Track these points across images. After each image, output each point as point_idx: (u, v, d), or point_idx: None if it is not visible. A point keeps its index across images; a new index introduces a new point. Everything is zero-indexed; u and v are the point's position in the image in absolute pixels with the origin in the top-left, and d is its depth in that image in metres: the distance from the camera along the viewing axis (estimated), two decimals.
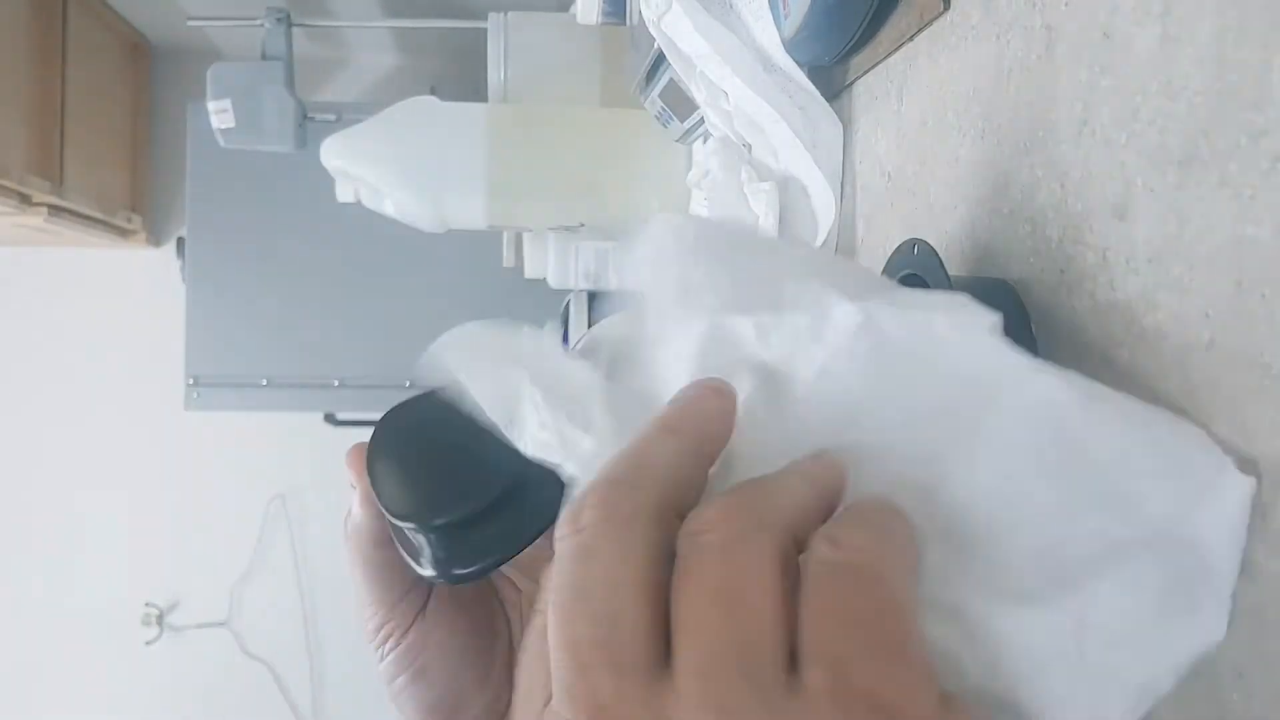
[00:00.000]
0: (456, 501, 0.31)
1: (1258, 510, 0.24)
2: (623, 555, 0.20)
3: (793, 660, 0.19)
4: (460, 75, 2.29)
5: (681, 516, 0.21)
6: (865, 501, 0.22)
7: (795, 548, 0.21)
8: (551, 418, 0.27)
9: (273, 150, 1.72)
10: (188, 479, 2.54)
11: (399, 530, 0.33)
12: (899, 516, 0.22)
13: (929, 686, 0.19)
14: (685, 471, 0.22)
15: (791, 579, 0.20)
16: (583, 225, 1.03)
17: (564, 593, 0.20)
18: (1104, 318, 0.31)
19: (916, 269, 0.38)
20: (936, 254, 0.37)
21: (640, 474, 0.21)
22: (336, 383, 2.17)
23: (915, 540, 0.22)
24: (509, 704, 0.32)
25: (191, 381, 2.16)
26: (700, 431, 0.23)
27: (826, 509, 0.22)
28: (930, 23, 0.45)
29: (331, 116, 1.72)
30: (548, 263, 1.37)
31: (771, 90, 0.58)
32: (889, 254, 0.41)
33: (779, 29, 0.57)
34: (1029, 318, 0.35)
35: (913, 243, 0.39)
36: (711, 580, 0.19)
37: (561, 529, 0.21)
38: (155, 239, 2.51)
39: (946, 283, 0.35)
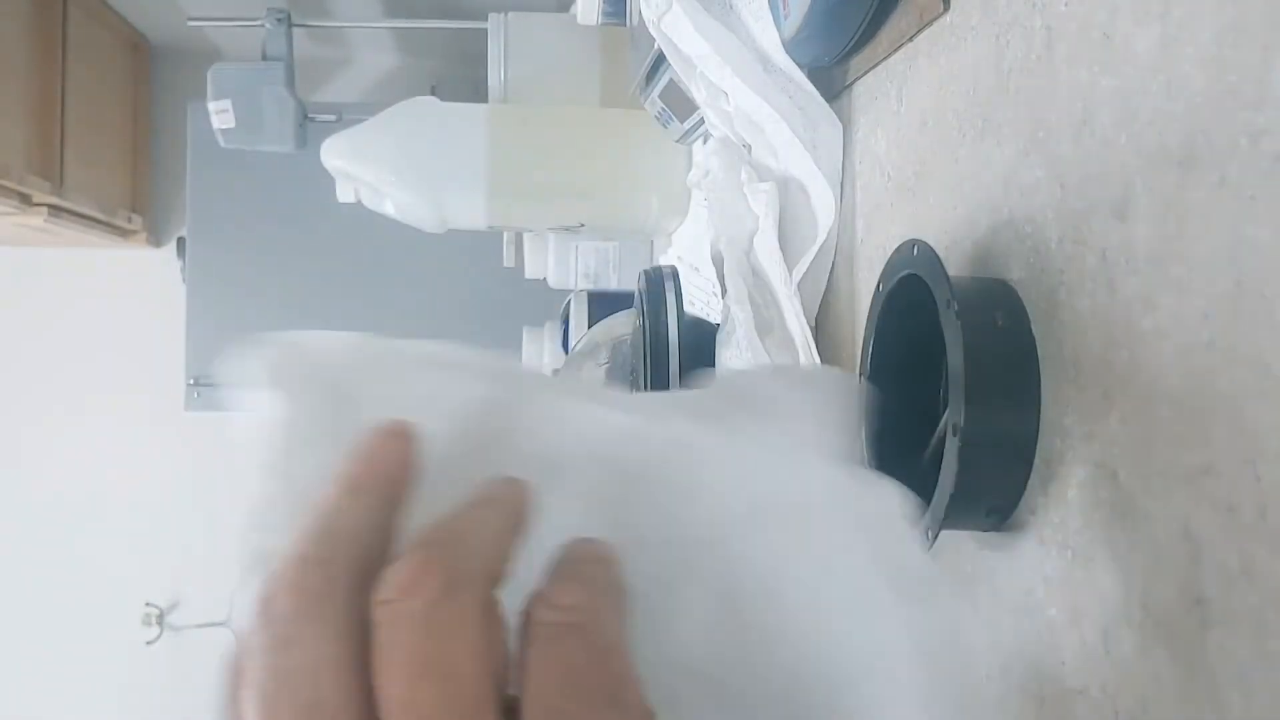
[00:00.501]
0: None
1: (1257, 509, 0.24)
2: (321, 638, 0.19)
3: (509, 714, 0.19)
4: (460, 75, 2.29)
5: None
6: (577, 550, 0.22)
7: (495, 587, 0.20)
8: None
9: (273, 150, 1.72)
10: (188, 479, 2.54)
11: None
12: (609, 563, 0.22)
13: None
14: (376, 532, 0.21)
15: (494, 628, 0.20)
16: (583, 225, 1.03)
17: (265, 685, 0.19)
18: (1104, 318, 0.31)
19: (916, 270, 0.38)
20: (936, 255, 0.37)
21: (329, 546, 0.20)
22: None
23: (624, 584, 0.22)
24: None
25: (191, 381, 2.16)
26: (385, 483, 0.22)
27: (518, 532, 0.22)
28: (930, 23, 0.45)
29: (331, 116, 1.72)
30: (548, 263, 1.38)
31: (771, 90, 0.58)
32: (889, 254, 0.41)
33: (779, 29, 0.57)
34: (1029, 318, 0.35)
35: (913, 243, 0.39)
36: (417, 654, 0.18)
37: (254, 619, 0.19)
38: (155, 239, 2.51)
39: (946, 284, 0.35)
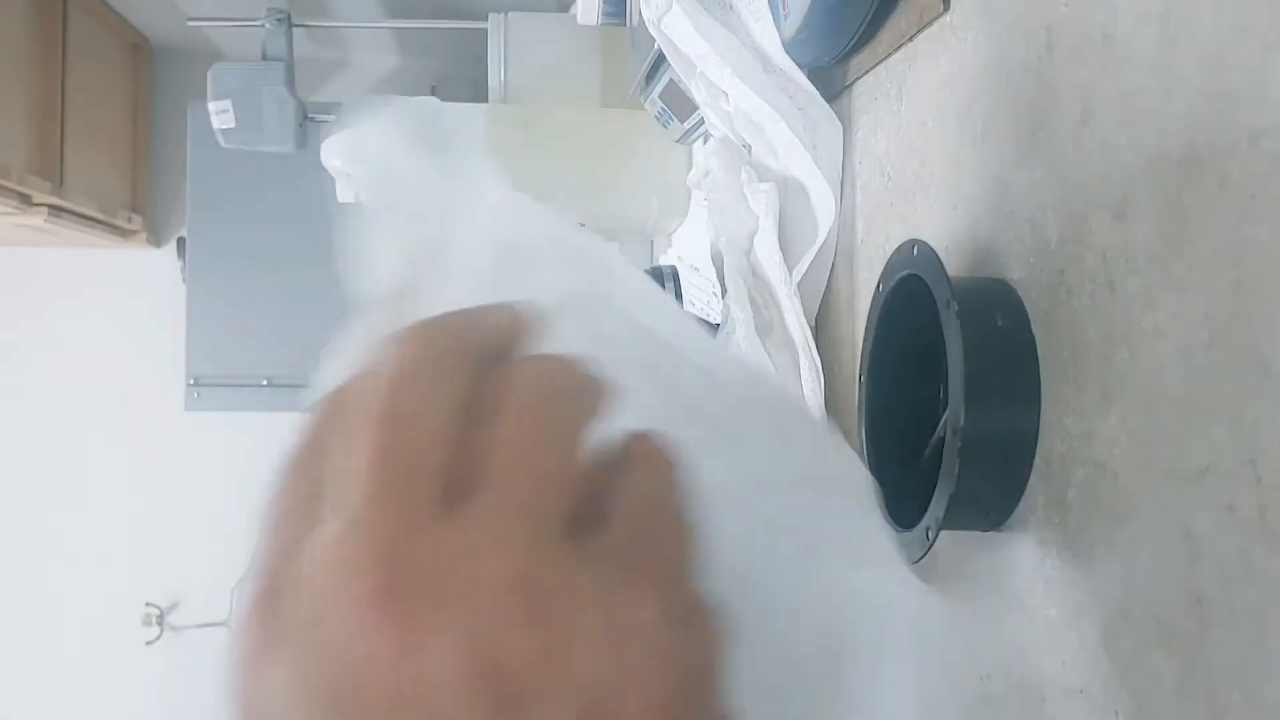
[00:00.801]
0: None
1: (1257, 509, 0.24)
2: (451, 376, 0.20)
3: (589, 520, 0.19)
4: (460, 75, 2.29)
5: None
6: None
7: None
8: None
9: (273, 150, 1.72)
10: (188, 479, 2.54)
11: None
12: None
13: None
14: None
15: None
16: (582, 225, 1.03)
17: (383, 399, 0.19)
18: (1104, 318, 0.31)
19: (917, 270, 0.38)
20: (936, 255, 0.37)
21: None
22: None
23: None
24: None
25: (191, 381, 2.16)
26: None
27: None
28: (930, 23, 0.45)
29: (331, 117, 1.72)
30: None
31: (771, 91, 0.58)
32: (889, 254, 0.41)
33: (779, 30, 0.57)
34: (1029, 318, 0.35)
35: (913, 243, 0.39)
36: (530, 416, 0.19)
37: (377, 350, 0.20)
38: (155, 239, 2.51)
39: (946, 284, 0.35)
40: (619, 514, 0.20)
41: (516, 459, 0.19)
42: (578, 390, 0.21)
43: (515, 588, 0.17)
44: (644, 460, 0.21)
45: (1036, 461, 0.34)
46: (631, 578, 0.19)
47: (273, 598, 0.18)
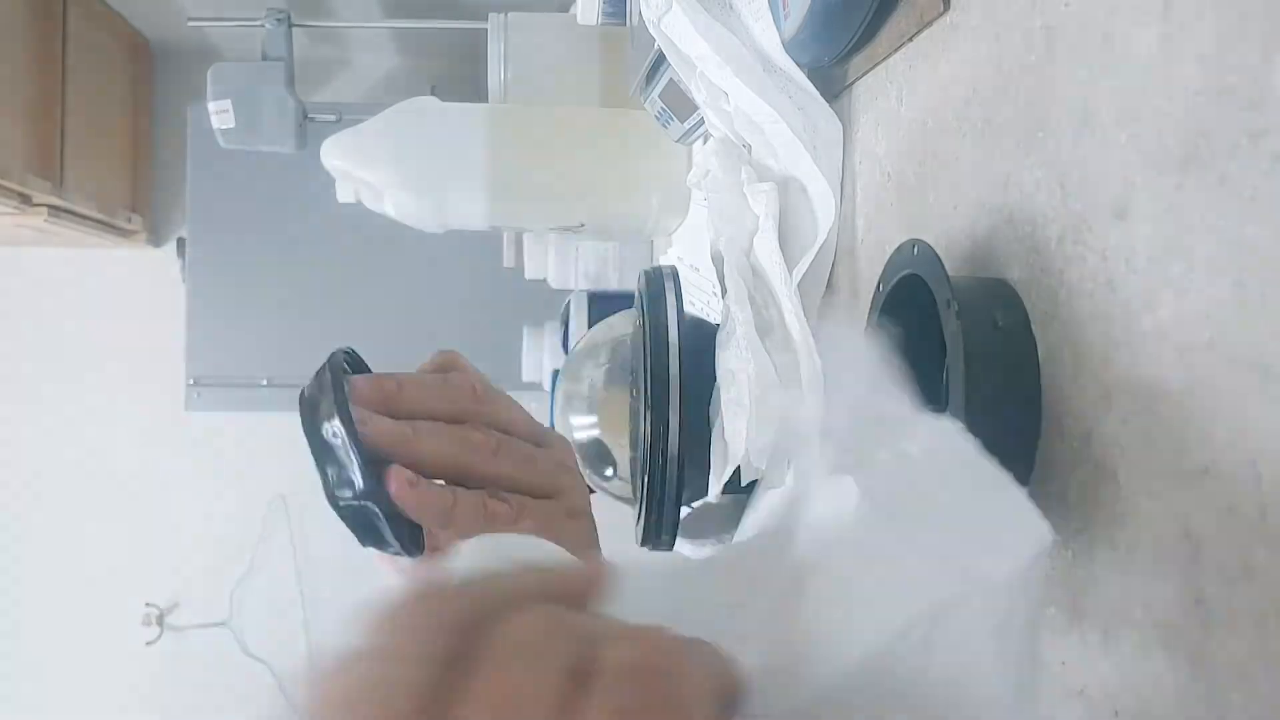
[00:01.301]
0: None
1: (1257, 509, 0.24)
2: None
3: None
4: (460, 75, 2.29)
5: None
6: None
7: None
8: None
9: (273, 150, 1.72)
10: (188, 479, 2.54)
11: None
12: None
13: None
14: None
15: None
16: (583, 225, 1.03)
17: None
18: (1104, 318, 0.31)
19: (916, 269, 0.38)
20: (936, 254, 0.37)
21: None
22: None
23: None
24: None
25: (191, 382, 2.16)
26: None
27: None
28: (930, 23, 0.45)
29: (331, 117, 1.72)
30: (548, 263, 1.38)
31: (771, 91, 0.58)
32: (889, 254, 0.41)
33: (779, 30, 0.57)
34: (1029, 318, 0.35)
35: (913, 243, 0.39)
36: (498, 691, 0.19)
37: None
38: (155, 239, 2.51)
39: (946, 284, 0.35)
40: None
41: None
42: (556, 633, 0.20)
43: None
44: (623, 673, 0.20)
45: (1036, 461, 0.34)
46: None
47: None
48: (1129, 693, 0.29)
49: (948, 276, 0.35)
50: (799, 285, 0.57)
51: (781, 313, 0.58)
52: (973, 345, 0.33)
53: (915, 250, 0.39)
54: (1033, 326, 0.35)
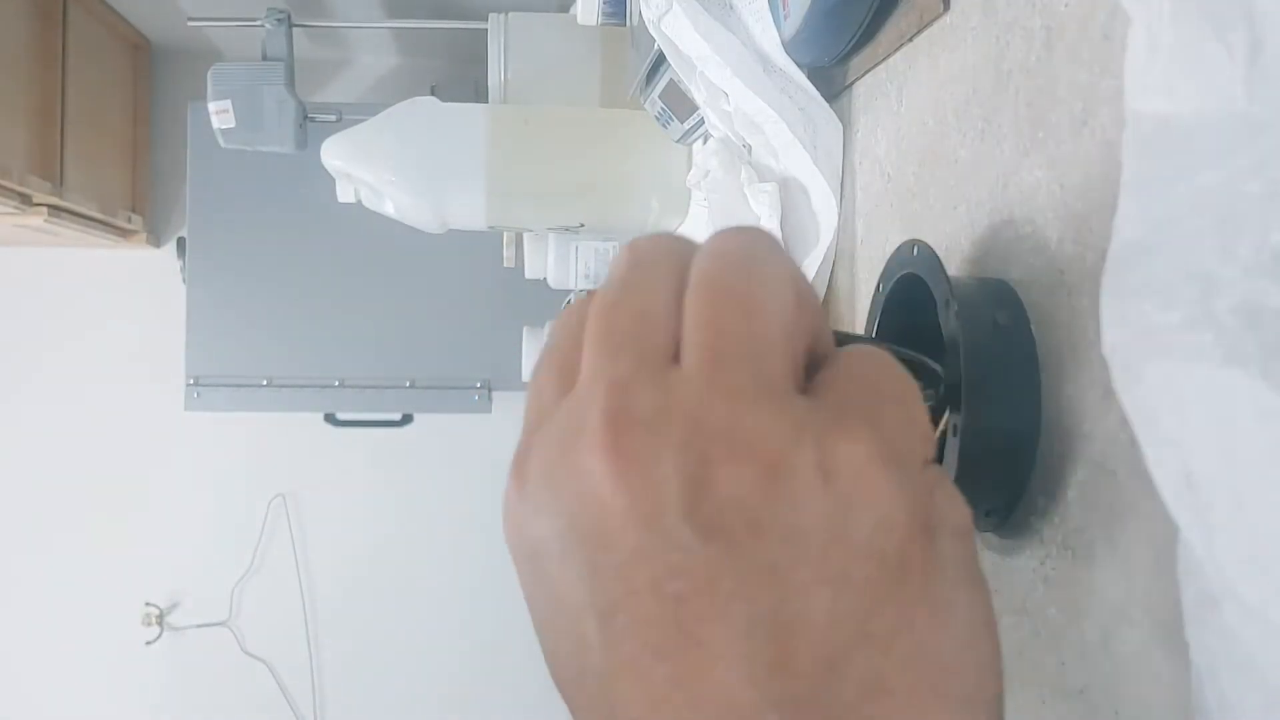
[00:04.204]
0: None
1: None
2: (663, 272, 0.22)
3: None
4: (460, 75, 2.29)
5: None
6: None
7: (800, 282, 0.23)
8: None
9: (273, 150, 1.72)
10: (188, 479, 2.54)
11: None
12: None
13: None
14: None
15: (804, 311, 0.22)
16: (583, 225, 1.03)
17: (609, 293, 0.22)
18: None
19: (916, 269, 0.38)
20: (936, 255, 0.37)
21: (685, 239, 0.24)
22: (336, 383, 2.17)
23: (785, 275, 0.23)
24: None
25: (191, 381, 2.16)
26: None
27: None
28: (930, 23, 0.45)
29: (332, 117, 1.72)
30: (548, 263, 1.37)
31: (771, 91, 0.58)
32: (889, 254, 0.41)
33: (779, 30, 0.57)
34: (1029, 318, 0.35)
35: (912, 243, 0.39)
36: (726, 283, 0.21)
37: (620, 255, 0.24)
38: (155, 239, 2.51)
39: (946, 284, 0.35)
40: (833, 377, 0.21)
41: (720, 325, 0.20)
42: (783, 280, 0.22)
43: (726, 424, 0.19)
44: (862, 353, 0.22)
45: (1036, 461, 0.34)
46: (843, 421, 0.20)
47: (527, 452, 0.21)
48: (1129, 693, 0.29)
49: (947, 276, 0.35)
50: None
51: None
52: (972, 345, 0.34)
53: (915, 251, 0.39)
54: (1032, 326, 0.35)
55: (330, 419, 2.33)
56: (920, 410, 0.21)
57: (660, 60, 0.74)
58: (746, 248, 0.22)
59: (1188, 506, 0.21)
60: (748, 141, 0.63)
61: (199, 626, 2.54)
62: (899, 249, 0.40)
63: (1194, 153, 0.22)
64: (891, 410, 0.21)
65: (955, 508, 0.21)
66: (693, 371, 0.20)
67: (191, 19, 1.89)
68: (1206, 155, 0.21)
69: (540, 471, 0.21)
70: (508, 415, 2.31)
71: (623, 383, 0.20)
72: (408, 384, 2.15)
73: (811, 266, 0.57)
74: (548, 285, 1.41)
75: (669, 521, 0.19)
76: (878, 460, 0.19)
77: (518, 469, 0.21)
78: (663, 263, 0.22)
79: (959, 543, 0.20)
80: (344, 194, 1.03)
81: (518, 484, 0.21)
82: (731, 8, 0.62)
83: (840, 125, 0.57)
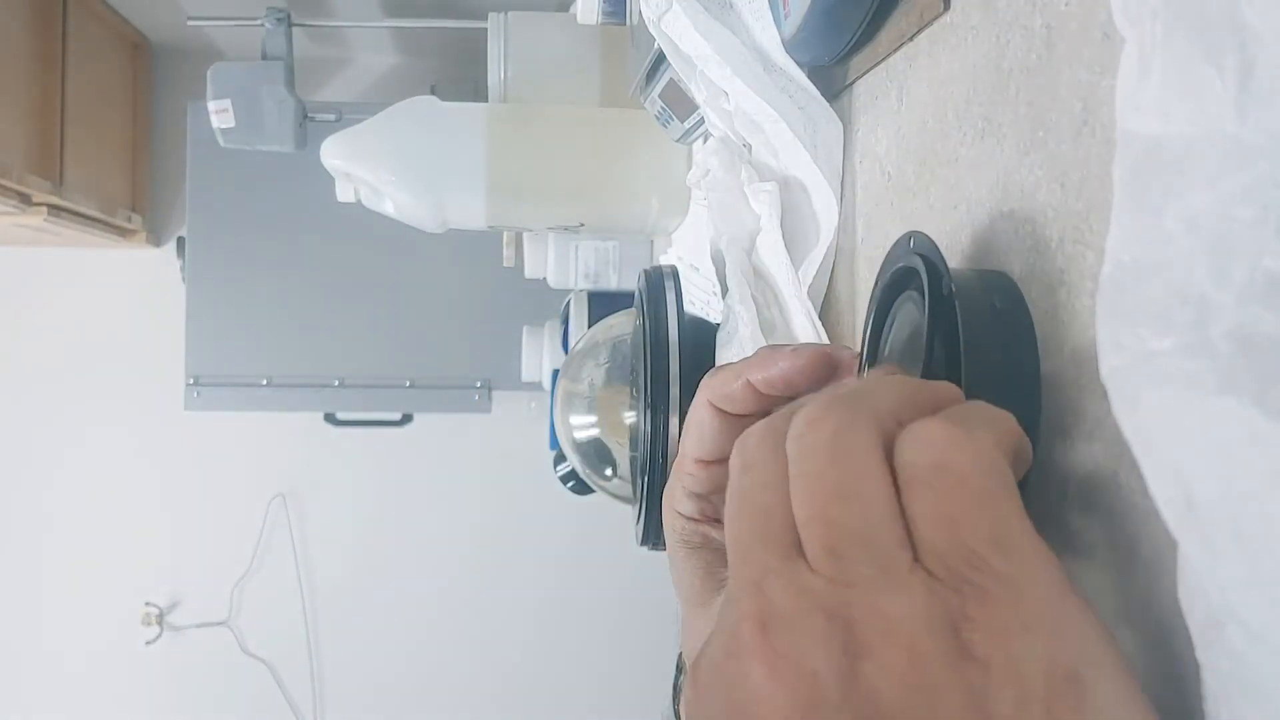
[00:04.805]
0: None
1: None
2: (771, 463, 0.24)
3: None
4: (460, 75, 2.29)
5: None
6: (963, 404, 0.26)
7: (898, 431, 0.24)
8: None
9: (273, 150, 1.72)
10: (188, 479, 2.54)
11: None
12: (997, 416, 0.25)
13: (1044, 563, 0.22)
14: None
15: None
16: (583, 225, 1.03)
17: (732, 501, 0.24)
18: None
19: (913, 257, 0.38)
20: (933, 242, 0.37)
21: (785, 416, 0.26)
22: (336, 383, 2.17)
23: (1015, 433, 0.24)
24: None
25: (191, 381, 2.16)
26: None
27: (919, 405, 0.25)
28: (930, 23, 0.45)
29: (331, 116, 1.72)
30: (548, 263, 1.37)
31: (771, 90, 0.58)
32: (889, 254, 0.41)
33: (779, 29, 0.57)
34: (1030, 311, 0.35)
35: (909, 235, 0.39)
36: (821, 478, 0.23)
37: (735, 451, 0.26)
38: (155, 239, 2.51)
39: (945, 271, 0.35)
40: (924, 543, 0.22)
41: (827, 509, 0.22)
42: (855, 414, 0.24)
43: (862, 615, 0.20)
44: (915, 469, 0.23)
45: (1036, 461, 0.34)
46: (961, 590, 0.21)
47: (700, 656, 0.23)
48: None
49: (946, 266, 0.35)
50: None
51: (784, 312, 0.58)
52: (971, 329, 0.33)
53: (911, 242, 0.38)
54: (1033, 326, 0.35)
55: (330, 419, 2.33)
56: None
57: (660, 59, 0.74)
58: (834, 423, 0.23)
59: (1190, 529, 0.22)
60: (748, 141, 0.63)
61: (199, 626, 2.54)
62: (896, 242, 0.40)
63: (1186, 175, 0.22)
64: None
65: (1098, 638, 0.22)
66: (818, 563, 0.22)
67: (191, 18, 1.89)
68: (1198, 178, 0.21)
69: (707, 671, 0.22)
70: (507, 415, 2.32)
71: (758, 582, 0.22)
72: (407, 384, 2.16)
73: (812, 266, 0.57)
74: (548, 285, 1.41)
75: (827, 712, 0.20)
76: (1015, 629, 0.21)
77: (693, 672, 0.23)
78: (770, 461, 0.24)
79: (1113, 684, 0.21)
80: (343, 193, 1.03)
81: (693, 688, 0.23)
82: (731, 7, 0.62)
83: (840, 124, 0.57)
